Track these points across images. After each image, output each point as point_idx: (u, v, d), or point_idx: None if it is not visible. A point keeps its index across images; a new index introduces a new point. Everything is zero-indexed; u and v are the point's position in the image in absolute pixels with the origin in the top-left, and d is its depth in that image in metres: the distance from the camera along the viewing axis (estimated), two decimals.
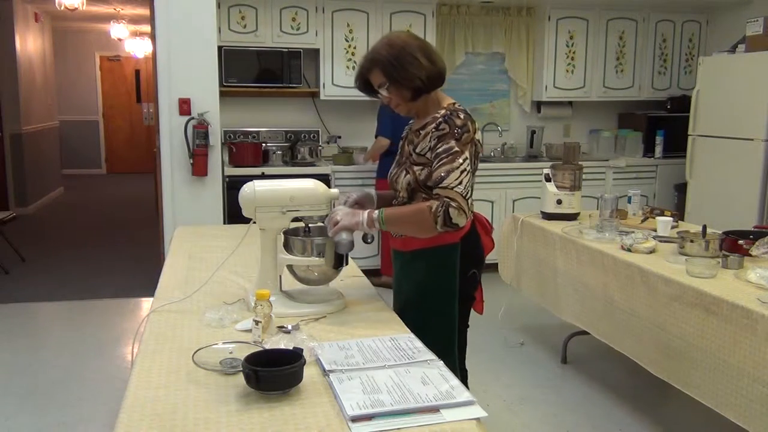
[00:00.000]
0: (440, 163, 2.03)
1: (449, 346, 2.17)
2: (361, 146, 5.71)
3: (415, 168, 2.12)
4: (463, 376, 2.31)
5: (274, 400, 1.48)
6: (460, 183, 2.01)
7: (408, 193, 2.14)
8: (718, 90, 5.07)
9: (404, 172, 2.16)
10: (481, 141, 2.16)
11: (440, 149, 2.04)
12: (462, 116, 2.08)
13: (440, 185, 2.02)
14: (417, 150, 2.13)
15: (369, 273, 2.47)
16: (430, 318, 2.15)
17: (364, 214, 2.06)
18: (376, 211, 2.07)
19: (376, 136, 5.06)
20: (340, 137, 5.83)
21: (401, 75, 2.09)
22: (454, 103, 2.16)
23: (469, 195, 2.05)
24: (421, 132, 2.14)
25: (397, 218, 2.09)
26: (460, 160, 2.02)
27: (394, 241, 2.26)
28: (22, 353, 4.03)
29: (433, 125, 2.08)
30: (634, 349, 2.96)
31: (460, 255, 2.16)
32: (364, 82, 2.20)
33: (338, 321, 2.02)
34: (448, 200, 1.99)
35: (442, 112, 2.10)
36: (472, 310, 2.35)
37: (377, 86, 2.16)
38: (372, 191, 2.33)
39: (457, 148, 2.03)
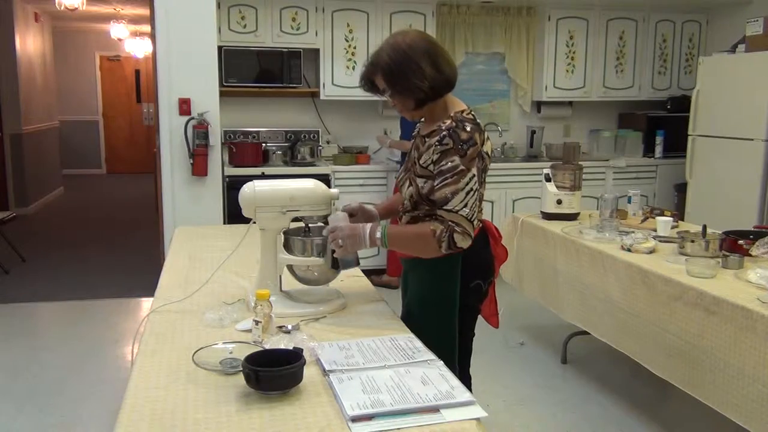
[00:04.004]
0: (444, 182, 1.94)
1: (449, 356, 2.13)
2: (361, 145, 5.72)
3: (418, 180, 2.05)
4: (467, 383, 2.27)
5: (274, 400, 1.48)
6: (465, 205, 1.93)
7: (411, 204, 2.10)
8: (718, 90, 5.07)
9: (408, 182, 2.11)
10: (489, 152, 2.05)
11: (444, 167, 1.94)
12: (468, 128, 1.96)
13: (444, 207, 1.94)
14: (421, 161, 2.05)
15: (370, 273, 2.47)
16: (430, 327, 2.09)
17: (365, 235, 2.00)
18: (379, 231, 2.01)
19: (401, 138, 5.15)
20: (339, 137, 5.83)
21: (402, 85, 2.00)
22: (462, 111, 2.04)
23: (474, 216, 1.96)
24: (426, 140, 2.05)
25: (401, 240, 2.05)
26: (466, 179, 1.93)
27: None
28: (22, 353, 4.03)
29: (437, 138, 1.97)
30: (635, 349, 2.96)
31: (463, 265, 2.10)
32: (370, 83, 2.11)
33: (338, 321, 2.02)
34: (453, 225, 1.92)
35: (447, 123, 1.98)
36: (486, 322, 2.31)
37: (381, 90, 2.07)
38: (370, 206, 2.27)
39: (462, 167, 1.92)
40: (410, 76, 1.98)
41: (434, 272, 2.11)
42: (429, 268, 2.11)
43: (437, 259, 2.06)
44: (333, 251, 2.06)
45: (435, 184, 1.98)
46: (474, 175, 1.95)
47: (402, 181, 2.18)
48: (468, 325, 2.25)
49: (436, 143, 1.97)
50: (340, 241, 2.01)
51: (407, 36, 2.03)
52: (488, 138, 2.06)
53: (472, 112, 2.06)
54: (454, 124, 1.97)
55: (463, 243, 1.94)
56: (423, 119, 2.17)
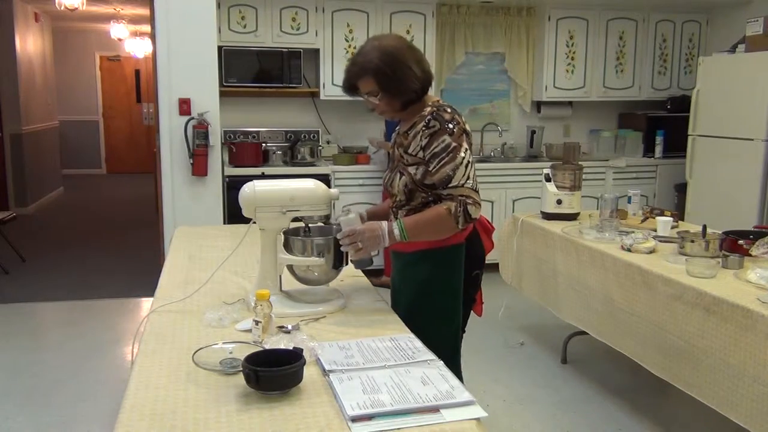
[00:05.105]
0: (441, 162, 2.02)
1: (454, 349, 2.15)
2: (361, 145, 5.72)
3: (410, 168, 2.10)
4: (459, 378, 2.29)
5: (274, 400, 1.48)
6: (468, 178, 2.02)
7: (406, 195, 2.13)
8: (718, 90, 5.07)
9: (399, 174, 2.14)
10: (469, 132, 2.12)
11: (437, 148, 2.02)
12: (449, 110, 2.07)
13: (449, 185, 2.01)
14: (409, 151, 2.10)
15: (369, 273, 2.47)
16: (435, 321, 2.12)
17: (384, 234, 2.02)
18: (396, 227, 2.03)
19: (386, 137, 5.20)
20: (339, 137, 5.83)
21: (396, 87, 2.06)
22: (438, 100, 2.15)
23: (477, 188, 2.05)
24: (409, 133, 2.12)
25: (419, 228, 2.05)
26: (462, 154, 2.02)
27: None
28: (22, 353, 4.03)
29: (423, 123, 2.06)
30: (634, 349, 2.96)
31: (465, 255, 2.15)
32: (352, 87, 2.15)
33: (338, 321, 2.02)
34: (464, 198, 2.00)
35: (428, 109, 2.08)
36: (479, 320, 2.34)
37: (366, 93, 2.11)
38: (362, 212, 2.30)
39: (454, 143, 2.02)
40: (402, 78, 2.05)
41: (440, 263, 2.14)
42: (434, 259, 2.13)
43: (442, 250, 2.11)
44: (343, 251, 2.06)
45: (431, 168, 2.04)
46: (467, 149, 2.04)
47: (390, 179, 2.21)
48: (464, 319, 2.27)
49: (423, 128, 2.05)
50: (359, 243, 2.02)
51: (388, 39, 2.11)
52: (465, 122, 2.13)
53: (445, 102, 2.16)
54: (434, 109, 2.07)
55: (476, 213, 2.02)
56: (402, 118, 2.21)
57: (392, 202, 2.23)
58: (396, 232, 2.03)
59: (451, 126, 2.03)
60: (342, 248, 2.06)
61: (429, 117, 2.05)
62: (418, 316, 2.11)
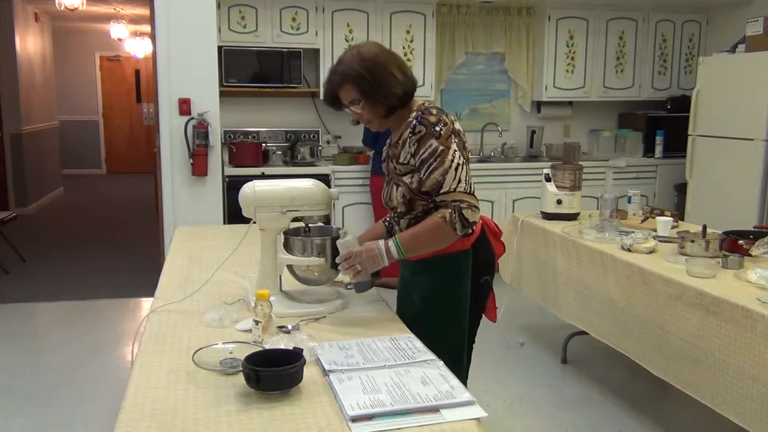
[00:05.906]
0: (430, 168, 1.95)
1: (459, 359, 2.12)
2: (361, 145, 5.71)
3: (404, 178, 2.05)
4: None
5: (274, 400, 1.48)
6: (460, 181, 1.95)
7: (405, 205, 2.08)
8: (718, 90, 5.07)
9: (395, 186, 2.10)
10: (462, 131, 2.06)
11: (425, 153, 1.96)
12: (434, 112, 2.00)
13: (441, 191, 1.94)
14: (400, 160, 2.05)
15: None
16: (441, 330, 2.08)
17: (383, 253, 1.99)
18: (392, 245, 1.99)
19: (363, 142, 5.24)
20: (339, 137, 5.83)
21: (379, 92, 2.00)
22: (423, 103, 2.08)
23: (472, 189, 1.98)
24: (399, 142, 2.06)
25: (416, 242, 2.00)
26: (450, 157, 1.94)
27: None
28: (22, 353, 4.03)
29: (409, 130, 2.00)
30: (634, 349, 2.96)
31: (471, 262, 2.11)
32: (334, 97, 2.10)
33: (338, 321, 2.02)
34: (458, 203, 1.93)
35: (413, 114, 2.02)
36: (481, 321, 2.30)
37: (348, 102, 2.06)
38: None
39: (441, 147, 1.95)
40: (385, 84, 2.00)
41: (445, 270, 2.10)
42: (439, 267, 2.09)
43: (448, 256, 2.06)
44: (354, 290, 2.07)
45: (421, 175, 1.99)
46: (455, 150, 1.97)
47: (388, 193, 2.17)
48: (473, 329, 2.25)
49: (410, 134, 2.00)
50: (358, 266, 2.00)
51: (368, 47, 2.07)
52: (455, 119, 2.08)
53: (431, 103, 2.11)
54: (419, 113, 2.01)
55: (475, 217, 1.95)
56: (390, 128, 2.17)
57: (392, 214, 2.19)
58: (393, 249, 1.99)
59: (437, 128, 1.96)
60: (341, 272, 2.05)
61: (414, 122, 1.99)
62: (423, 324, 2.06)
